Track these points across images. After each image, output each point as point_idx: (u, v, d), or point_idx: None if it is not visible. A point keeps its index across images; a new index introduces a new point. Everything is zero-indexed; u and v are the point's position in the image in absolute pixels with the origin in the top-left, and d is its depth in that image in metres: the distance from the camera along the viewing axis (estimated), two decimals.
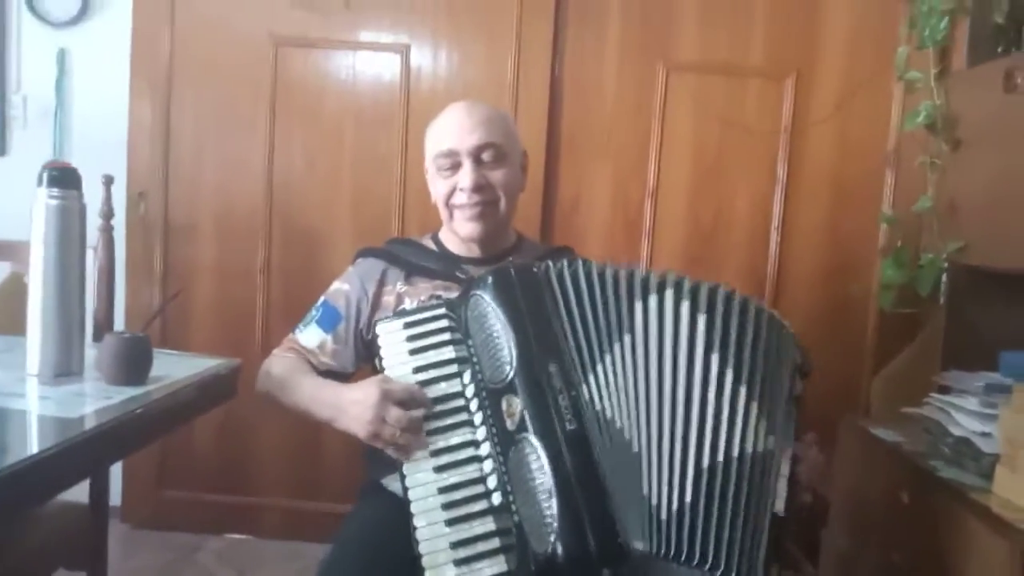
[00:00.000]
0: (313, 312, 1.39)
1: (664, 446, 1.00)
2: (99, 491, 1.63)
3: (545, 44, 2.35)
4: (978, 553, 1.29)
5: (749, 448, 1.00)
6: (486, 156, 1.32)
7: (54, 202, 1.18)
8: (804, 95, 2.33)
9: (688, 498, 0.98)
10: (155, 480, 2.54)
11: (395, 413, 1.06)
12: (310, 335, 1.37)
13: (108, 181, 1.67)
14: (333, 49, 2.39)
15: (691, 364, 1.02)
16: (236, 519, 2.53)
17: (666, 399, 1.01)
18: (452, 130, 1.32)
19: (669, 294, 1.06)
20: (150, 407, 1.11)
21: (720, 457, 0.99)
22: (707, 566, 0.96)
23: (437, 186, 1.36)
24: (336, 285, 1.41)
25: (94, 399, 1.12)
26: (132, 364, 1.17)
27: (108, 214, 1.68)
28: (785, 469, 1.04)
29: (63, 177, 1.20)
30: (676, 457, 0.99)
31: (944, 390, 1.60)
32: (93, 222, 1.66)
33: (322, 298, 1.40)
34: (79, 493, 1.59)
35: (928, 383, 1.67)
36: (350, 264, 1.44)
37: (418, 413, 1.08)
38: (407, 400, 1.08)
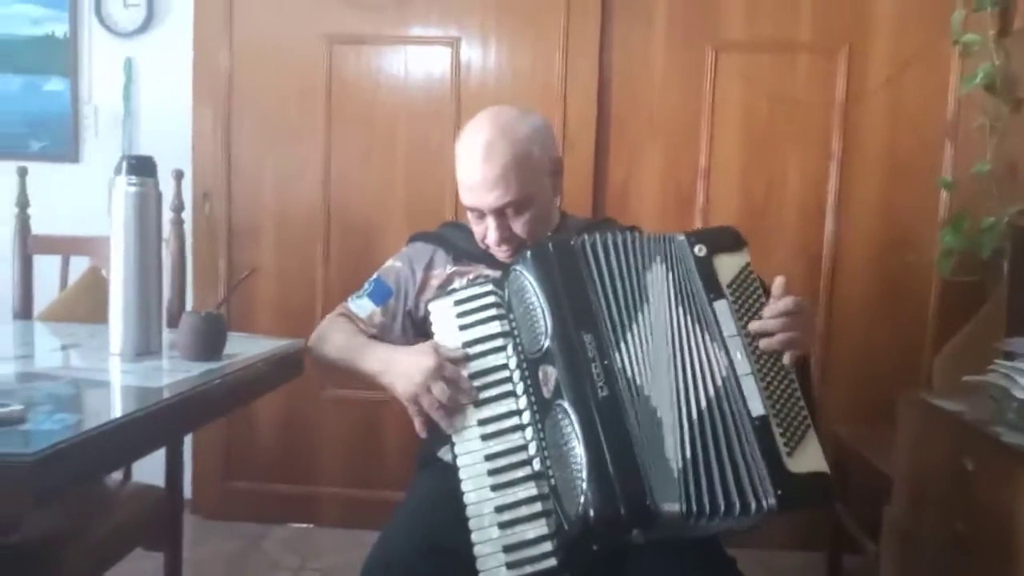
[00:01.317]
0: (366, 286, 1.45)
1: (671, 407, 1.04)
2: (174, 474, 1.70)
3: (593, 32, 2.37)
4: None
5: (718, 381, 1.05)
6: (508, 211, 1.31)
7: (133, 189, 1.26)
8: (857, 67, 2.31)
9: (688, 454, 1.01)
10: (222, 472, 2.64)
11: (440, 387, 1.12)
12: (361, 306, 1.42)
13: (178, 175, 1.75)
14: (385, 45, 2.46)
15: (673, 322, 1.09)
16: (298, 509, 2.61)
17: (666, 361, 1.06)
18: (472, 185, 1.31)
19: (660, 260, 1.13)
20: (226, 378, 1.18)
21: (703, 403, 1.04)
22: (719, 513, 0.99)
23: (470, 220, 1.38)
24: (389, 263, 1.47)
25: (173, 373, 1.19)
26: (208, 340, 1.23)
27: (179, 207, 1.76)
28: (745, 366, 1.05)
29: (141, 165, 1.27)
30: (675, 416, 1.03)
31: (1010, 357, 1.56)
32: (165, 215, 1.76)
33: (376, 273, 1.46)
34: (156, 477, 1.68)
35: (992, 354, 1.64)
36: (405, 245, 1.50)
37: (461, 395, 1.13)
38: (455, 382, 1.13)
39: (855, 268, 2.37)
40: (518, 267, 1.16)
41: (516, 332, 1.14)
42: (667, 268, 1.12)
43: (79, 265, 1.83)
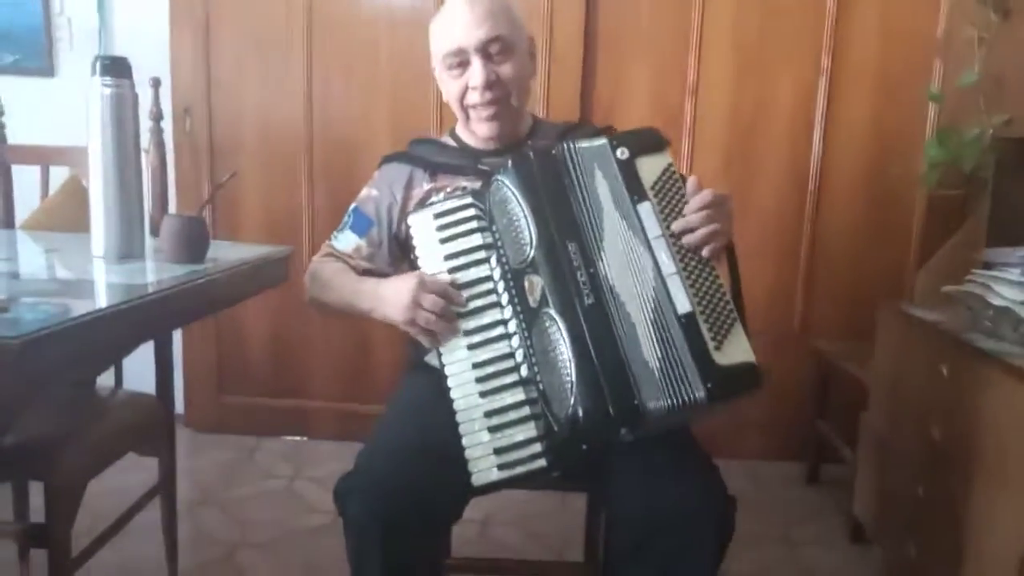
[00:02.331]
0: (345, 219, 1.43)
1: (639, 310, 1.06)
2: (164, 380, 1.72)
3: None
4: (1016, 415, 1.30)
5: (646, 283, 1.07)
6: (494, 49, 1.30)
7: (108, 90, 1.23)
8: None
9: (659, 352, 1.04)
10: (215, 387, 2.67)
11: (430, 299, 1.13)
12: (345, 240, 1.41)
13: (155, 83, 1.72)
14: None
15: (620, 229, 1.10)
16: (291, 422, 2.66)
17: (625, 266, 1.08)
18: (457, 26, 1.30)
19: (596, 165, 1.13)
20: (211, 278, 1.18)
21: (650, 307, 1.06)
22: (687, 400, 1.02)
23: (448, 86, 1.35)
24: (364, 192, 1.44)
25: (156, 273, 1.19)
26: (191, 242, 1.23)
27: (158, 115, 1.74)
28: (669, 264, 1.07)
29: (115, 66, 1.24)
30: (643, 317, 1.05)
31: (988, 267, 1.59)
32: (144, 124, 1.73)
33: (353, 205, 1.43)
34: (147, 388, 1.70)
35: (974, 266, 1.66)
36: (375, 170, 1.47)
37: (451, 301, 1.14)
38: (441, 292, 1.14)
39: (842, 185, 2.37)
40: (499, 177, 1.15)
41: (500, 243, 1.15)
42: (603, 174, 1.13)
43: (59, 176, 1.81)
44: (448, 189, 1.36)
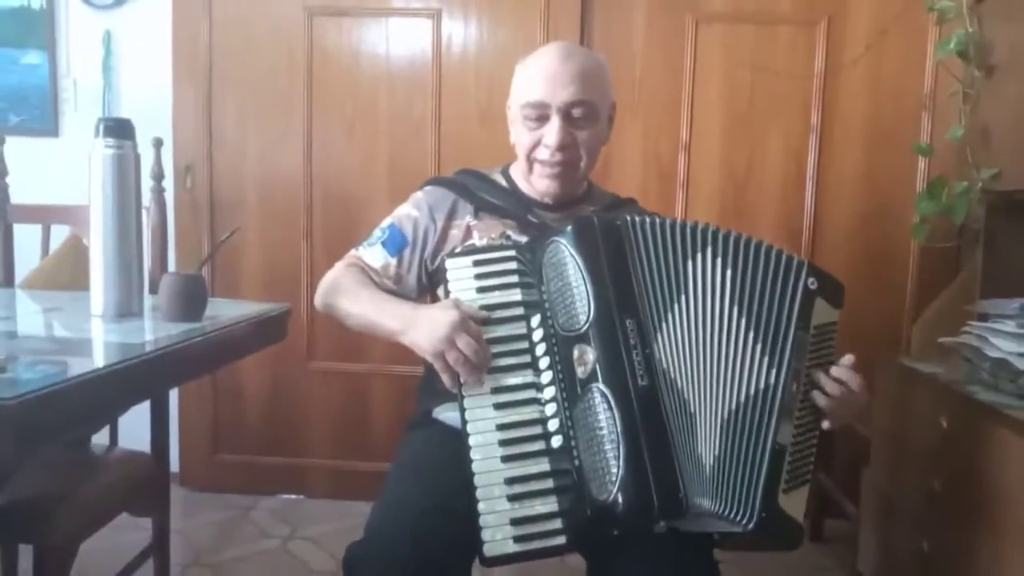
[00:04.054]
0: (378, 233, 1.37)
1: (707, 403, 1.03)
2: (160, 440, 1.71)
3: (573, 3, 2.37)
4: (1016, 468, 1.29)
5: (752, 388, 1.05)
6: (577, 113, 1.26)
7: (110, 151, 1.26)
8: (836, 39, 2.32)
9: (718, 451, 1.02)
10: (210, 445, 2.64)
11: (466, 340, 1.08)
12: (374, 254, 1.36)
13: (158, 143, 1.74)
14: (366, 16, 2.45)
15: (721, 320, 1.07)
16: (287, 480, 2.62)
17: (705, 357, 1.05)
18: (545, 80, 1.25)
19: (708, 252, 1.10)
20: (208, 336, 1.19)
21: (733, 405, 1.04)
22: (736, 516, 1.00)
23: (520, 135, 1.31)
24: (405, 209, 1.38)
25: (154, 332, 1.19)
26: (189, 300, 1.24)
27: (159, 175, 1.76)
28: (791, 398, 1.06)
29: (118, 127, 1.27)
30: (711, 411, 1.03)
31: (983, 318, 1.60)
32: (145, 183, 1.75)
33: (389, 220, 1.38)
34: (142, 446, 1.69)
35: (969, 317, 1.67)
36: (418, 190, 1.42)
37: (484, 346, 1.10)
38: (480, 335, 1.10)
39: (836, 239, 2.40)
40: (559, 238, 1.11)
41: (548, 305, 1.10)
42: (724, 263, 1.09)
43: (60, 235, 1.82)
44: (492, 235, 1.33)
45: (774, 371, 1.06)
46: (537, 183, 1.33)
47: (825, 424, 1.10)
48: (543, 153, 1.29)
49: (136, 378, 1.02)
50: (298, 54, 2.46)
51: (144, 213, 1.61)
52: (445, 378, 1.11)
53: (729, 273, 1.09)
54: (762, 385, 1.05)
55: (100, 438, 1.68)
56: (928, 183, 2.02)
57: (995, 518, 1.35)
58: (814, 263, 1.15)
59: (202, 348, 1.17)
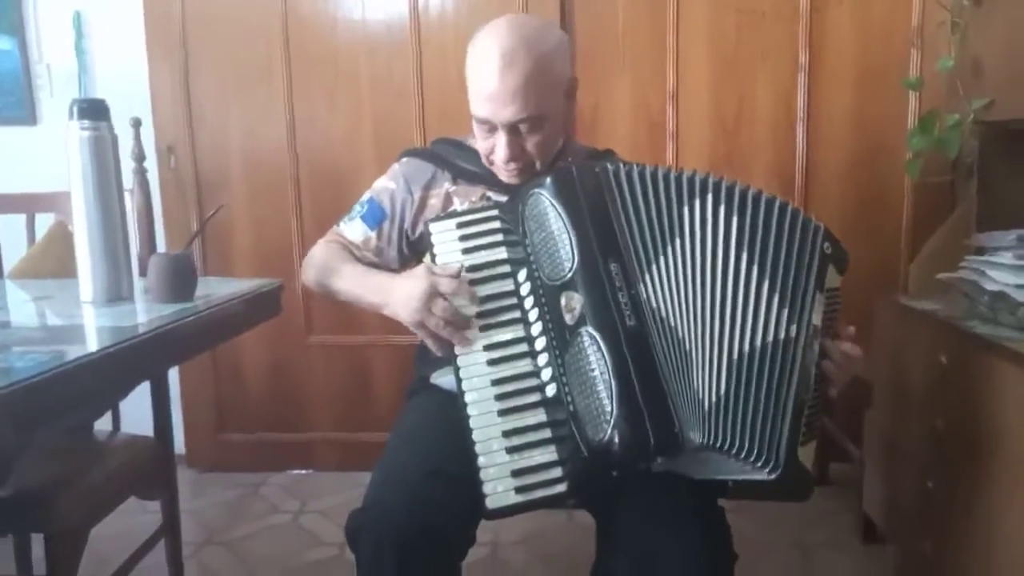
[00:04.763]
0: (358, 207, 1.39)
1: (706, 342, 1.04)
2: (162, 421, 1.71)
3: None
4: (1017, 401, 1.30)
5: (771, 337, 1.05)
6: (523, 128, 1.24)
7: (87, 133, 1.23)
8: None
9: (723, 388, 1.02)
10: (215, 426, 2.65)
11: (441, 304, 1.09)
12: (354, 229, 1.38)
13: (136, 123, 1.71)
14: None
15: (726, 264, 1.07)
16: (295, 456, 2.64)
17: (707, 298, 1.05)
18: (486, 99, 1.22)
19: (709, 198, 1.10)
20: (200, 315, 1.17)
21: (747, 347, 1.04)
22: (743, 454, 1.00)
23: (477, 135, 1.30)
24: (382, 183, 1.40)
25: (145, 314, 1.18)
26: (178, 280, 1.22)
27: (140, 156, 1.73)
28: (812, 356, 1.07)
29: (92, 109, 1.24)
30: (714, 351, 1.03)
31: (980, 252, 1.59)
32: (127, 164, 1.73)
33: (367, 194, 1.39)
34: (146, 431, 1.69)
35: (966, 252, 1.66)
36: (396, 162, 1.42)
37: (464, 307, 1.10)
38: (455, 293, 1.10)
39: (829, 181, 2.37)
40: (538, 190, 1.11)
41: (532, 257, 1.10)
42: (730, 211, 1.09)
43: (45, 223, 1.80)
44: (473, 198, 1.33)
45: (794, 326, 1.05)
46: (500, 176, 1.32)
47: (832, 392, 1.11)
48: (497, 159, 1.28)
49: (131, 361, 1.01)
50: (274, 25, 2.41)
51: (127, 195, 1.59)
52: (431, 344, 1.13)
53: (736, 220, 1.08)
54: (781, 336, 1.05)
55: (103, 424, 1.69)
56: (920, 118, 1.99)
57: (997, 453, 1.36)
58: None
59: (195, 327, 1.16)
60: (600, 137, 2.38)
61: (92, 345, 1.01)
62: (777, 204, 1.11)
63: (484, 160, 1.32)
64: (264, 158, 2.49)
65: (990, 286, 1.47)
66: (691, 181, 1.11)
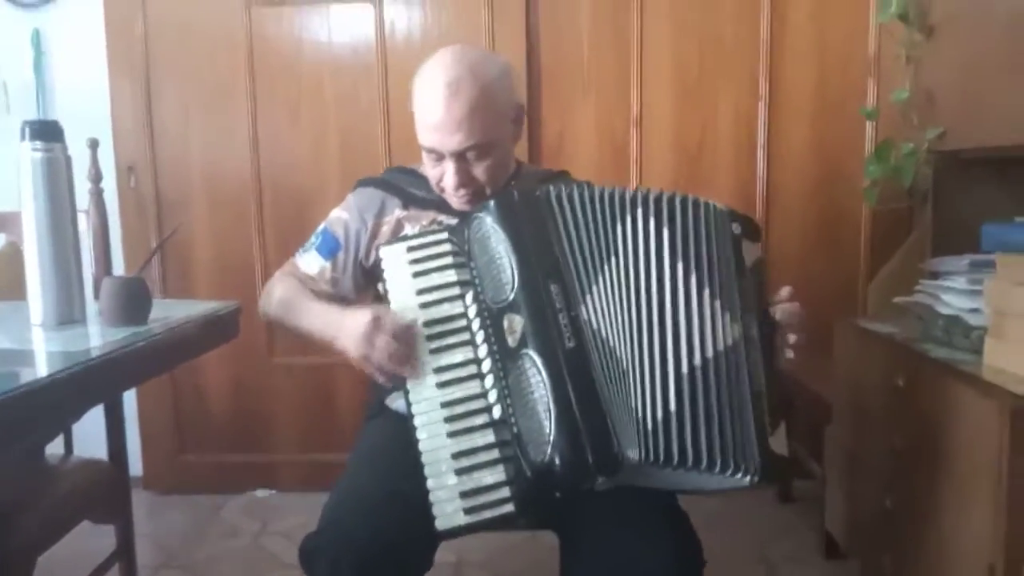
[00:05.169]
0: (313, 239, 1.40)
1: (646, 359, 1.04)
2: (116, 444, 1.67)
3: None
4: (971, 421, 1.32)
5: (720, 345, 1.05)
6: (470, 155, 1.25)
7: (39, 155, 1.22)
8: (780, 3, 2.33)
9: (672, 406, 1.02)
10: (174, 447, 2.61)
11: (382, 340, 1.09)
12: (310, 261, 1.38)
13: (93, 145, 1.68)
14: (305, 5, 2.40)
15: (661, 277, 1.07)
16: (256, 476, 2.60)
17: (644, 314, 1.05)
18: (432, 129, 1.23)
19: (639, 213, 1.10)
20: (155, 340, 1.16)
21: (697, 360, 1.04)
22: (701, 465, 1.01)
23: (425, 162, 1.31)
24: (336, 213, 1.40)
25: (98, 337, 1.16)
26: (131, 304, 1.20)
27: (96, 177, 1.70)
28: (754, 344, 1.08)
29: (44, 130, 1.23)
30: (657, 368, 1.03)
31: (935, 277, 1.62)
32: (83, 186, 1.70)
33: (322, 225, 1.40)
34: (101, 453, 1.65)
35: (921, 277, 1.70)
36: (350, 192, 1.43)
37: (405, 341, 1.10)
38: (399, 332, 1.10)
39: (789, 206, 2.41)
40: (481, 214, 1.12)
41: (477, 281, 1.11)
42: (660, 223, 1.08)
43: None
44: (424, 222, 1.34)
45: (737, 325, 1.07)
46: (451, 203, 1.33)
47: (789, 354, 1.12)
48: (447, 187, 1.29)
49: (81, 386, 0.99)
50: (238, 45, 2.41)
51: (83, 216, 1.56)
52: (377, 378, 1.13)
53: (667, 232, 1.08)
54: (729, 342, 1.06)
55: (56, 447, 1.65)
56: (876, 147, 2.04)
57: (954, 471, 1.38)
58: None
59: (148, 352, 1.14)
60: (565, 162, 2.39)
61: (42, 370, 0.99)
62: (691, 202, 1.11)
63: (435, 187, 1.32)
64: (226, 177, 2.47)
65: (944, 310, 1.50)
66: (622, 197, 1.11)
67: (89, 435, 1.68)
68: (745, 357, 1.06)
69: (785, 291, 1.15)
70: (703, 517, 1.17)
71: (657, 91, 2.39)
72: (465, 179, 1.26)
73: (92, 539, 1.63)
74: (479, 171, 1.27)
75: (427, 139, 1.25)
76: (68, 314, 1.24)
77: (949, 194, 1.72)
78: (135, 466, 2.55)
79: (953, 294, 1.49)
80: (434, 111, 1.22)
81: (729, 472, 1.01)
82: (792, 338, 1.12)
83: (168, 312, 1.30)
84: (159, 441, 2.60)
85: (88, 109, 2.40)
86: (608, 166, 2.42)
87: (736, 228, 1.12)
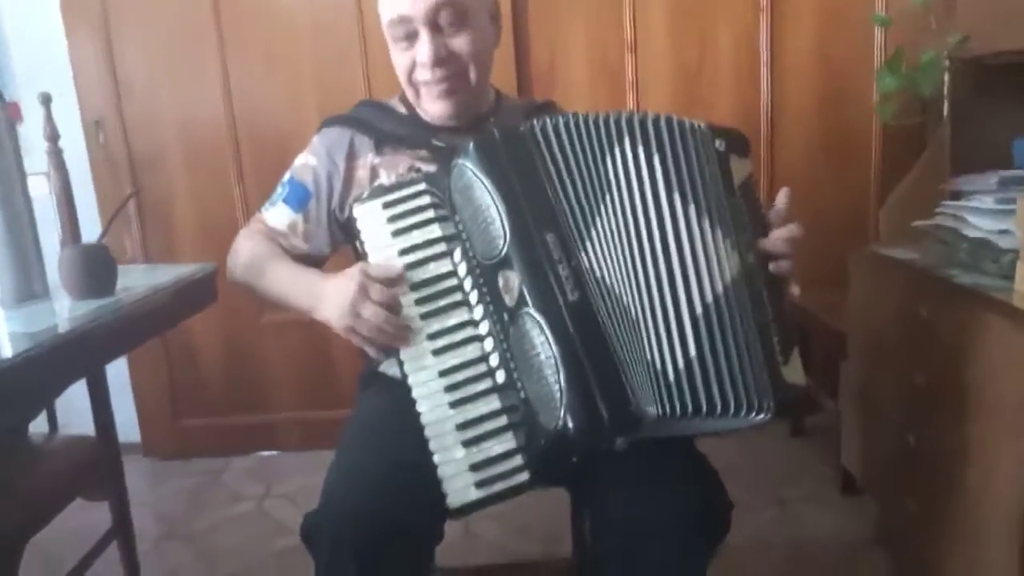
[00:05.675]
0: (279, 189, 1.27)
1: (657, 305, 0.95)
2: (103, 418, 1.60)
3: None
4: (1001, 352, 1.24)
5: (727, 278, 0.97)
6: (444, 19, 1.13)
7: None
8: None
9: (692, 351, 0.95)
10: (170, 412, 2.54)
11: (370, 309, 1.00)
12: (278, 215, 1.25)
13: (45, 100, 1.55)
14: None
15: (660, 212, 0.98)
16: (257, 438, 2.54)
17: (648, 255, 0.97)
18: None
19: (627, 142, 0.99)
20: (122, 313, 1.06)
21: (709, 298, 0.96)
22: (725, 411, 0.94)
23: (396, 59, 1.19)
24: (301, 159, 1.27)
25: (64, 313, 1.07)
26: (93, 274, 1.11)
27: (53, 135, 1.58)
28: (756, 271, 1.00)
29: None
30: (671, 313, 0.95)
31: (956, 197, 1.52)
32: (38, 146, 1.59)
33: (288, 173, 1.27)
34: (89, 423, 1.58)
35: (940, 197, 1.59)
36: (316, 133, 1.30)
37: (396, 309, 1.01)
38: (388, 298, 1.01)
39: (794, 127, 2.29)
40: (460, 160, 1.00)
41: (464, 235, 1.01)
42: (649, 151, 0.98)
43: None
44: (399, 170, 1.22)
45: (734, 253, 0.98)
46: (430, 108, 1.21)
47: (795, 290, 1.03)
48: (422, 73, 1.17)
49: (47, 366, 0.92)
50: None
51: (45, 179, 1.46)
52: (367, 349, 1.05)
53: (657, 160, 0.98)
54: (735, 272, 0.97)
55: (41, 425, 1.57)
56: (890, 56, 1.89)
57: (983, 407, 1.30)
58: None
59: (120, 325, 1.06)
60: (558, 90, 2.27)
61: (6, 351, 0.90)
62: (676, 124, 1.00)
63: (407, 84, 1.20)
64: (200, 128, 2.33)
65: (971, 233, 1.40)
66: (607, 124, 1.00)
67: (80, 409, 1.61)
68: (747, 289, 0.98)
69: (783, 195, 1.05)
70: (713, 457, 1.10)
71: (652, 12, 2.24)
72: (442, 52, 1.15)
73: (89, 514, 1.57)
74: (458, 44, 1.15)
75: (395, 6, 1.13)
76: (28, 290, 1.15)
77: (970, 108, 1.60)
78: (133, 433, 2.50)
79: (980, 215, 1.39)
80: None
81: (746, 412, 0.95)
82: (785, 265, 1.03)
83: (138, 280, 1.21)
84: (155, 407, 2.53)
85: (49, 64, 2.26)
86: (603, 94, 2.29)
87: (720, 145, 1.02)
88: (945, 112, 1.66)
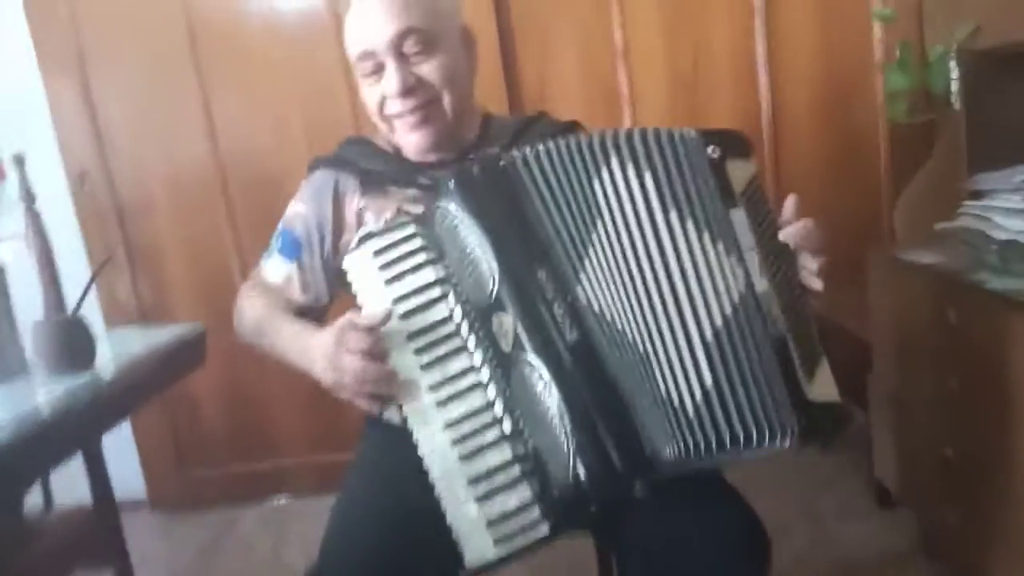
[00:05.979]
0: (273, 241, 1.24)
1: (666, 334, 0.89)
2: (100, 489, 1.53)
3: None
4: None
5: (736, 295, 0.91)
6: (409, 48, 1.10)
7: None
8: None
9: (708, 380, 0.88)
10: (175, 462, 2.47)
11: (347, 359, 0.94)
12: (274, 267, 1.23)
13: (18, 160, 1.48)
14: None
15: (656, 232, 0.91)
16: (267, 484, 2.46)
17: (649, 281, 0.90)
18: (365, 24, 1.11)
19: (615, 161, 0.93)
20: (102, 390, 0.99)
21: (719, 320, 0.90)
22: (747, 443, 0.87)
23: (367, 96, 1.17)
24: (292, 207, 1.24)
25: (40, 392, 1.00)
26: (69, 348, 1.05)
27: (29, 197, 1.51)
28: (765, 284, 0.92)
29: None
30: (681, 341, 0.89)
31: (977, 196, 1.44)
32: (17, 208, 1.52)
33: (280, 224, 1.25)
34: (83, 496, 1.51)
35: (956, 195, 1.52)
36: (305, 178, 1.28)
37: (379, 356, 0.95)
38: (371, 345, 0.94)
39: (798, 127, 2.21)
40: (441, 201, 0.96)
41: (455, 279, 0.96)
42: (639, 168, 0.92)
43: None
44: (387, 215, 1.16)
45: (739, 267, 0.92)
46: (405, 142, 1.17)
47: (816, 284, 0.96)
48: (393, 106, 1.13)
49: (31, 453, 0.85)
50: (177, 27, 2.19)
51: (21, 244, 1.39)
52: (362, 405, 0.99)
53: (649, 177, 0.92)
54: (743, 288, 0.91)
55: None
56: (899, 51, 1.81)
57: (1020, 412, 1.22)
58: (699, 128, 0.97)
59: (101, 402, 0.99)
60: (550, 108, 2.19)
61: None
62: (664, 135, 0.94)
63: (380, 121, 1.17)
64: (187, 171, 2.27)
65: (999, 234, 1.32)
66: (591, 146, 0.94)
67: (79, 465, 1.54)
68: (755, 305, 0.91)
69: (790, 203, 0.98)
70: (734, 472, 1.04)
71: (641, 19, 2.16)
72: (410, 80, 1.11)
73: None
74: (426, 71, 1.12)
75: (359, 41, 1.11)
76: (4, 367, 1.07)
77: (984, 101, 1.53)
78: (139, 487, 2.44)
79: (1007, 215, 1.32)
80: (364, 10, 1.11)
81: (769, 440, 0.88)
82: (812, 262, 0.95)
83: (120, 347, 1.14)
84: (159, 458, 2.46)
85: (28, 117, 2.21)
86: (598, 107, 2.21)
87: (714, 152, 0.95)
88: (956, 107, 1.59)
